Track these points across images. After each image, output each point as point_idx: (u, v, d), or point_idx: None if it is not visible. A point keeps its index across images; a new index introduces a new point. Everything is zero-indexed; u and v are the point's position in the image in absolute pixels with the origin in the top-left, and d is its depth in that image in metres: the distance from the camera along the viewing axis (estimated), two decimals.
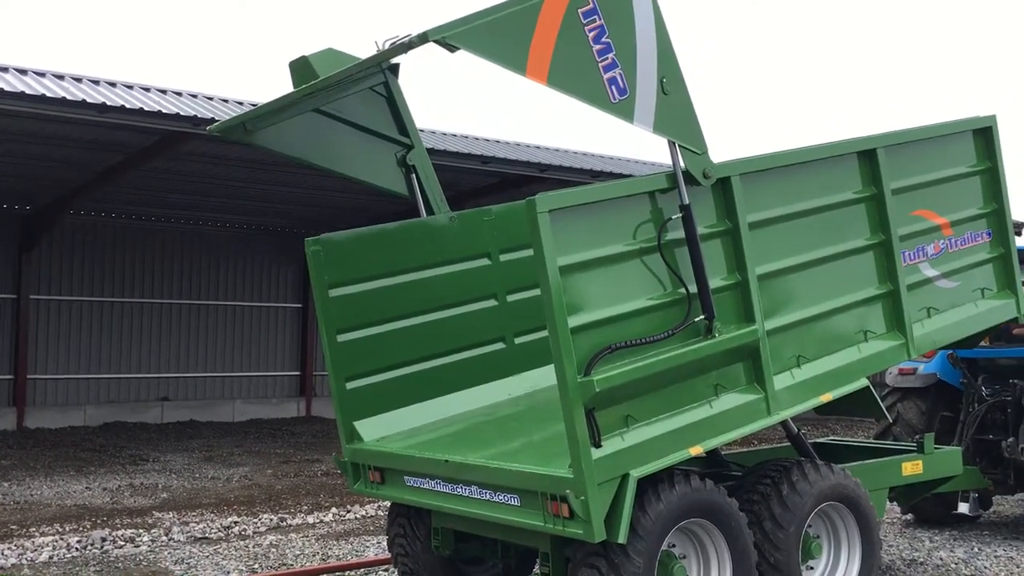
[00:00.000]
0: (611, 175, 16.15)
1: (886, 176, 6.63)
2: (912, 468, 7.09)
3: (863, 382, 6.34)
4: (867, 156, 6.62)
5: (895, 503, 8.30)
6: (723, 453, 6.95)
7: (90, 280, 20.32)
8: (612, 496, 4.97)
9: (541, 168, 15.53)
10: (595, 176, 15.91)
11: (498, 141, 16.68)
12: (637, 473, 5.04)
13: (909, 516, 9.70)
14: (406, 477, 6.14)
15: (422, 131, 14.90)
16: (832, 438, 7.85)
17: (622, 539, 4.92)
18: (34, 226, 18.90)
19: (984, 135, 7.49)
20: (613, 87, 5.13)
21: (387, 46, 5.45)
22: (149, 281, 21.02)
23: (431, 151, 12.66)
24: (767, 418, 5.79)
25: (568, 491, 4.90)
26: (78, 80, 12.43)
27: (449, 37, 4.67)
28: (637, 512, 5.05)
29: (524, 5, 4.84)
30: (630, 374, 5.10)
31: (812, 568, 6.13)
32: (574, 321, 4.99)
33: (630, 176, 16.27)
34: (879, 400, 6.63)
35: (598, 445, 4.95)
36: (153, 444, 17.15)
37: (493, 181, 16.82)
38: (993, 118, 7.53)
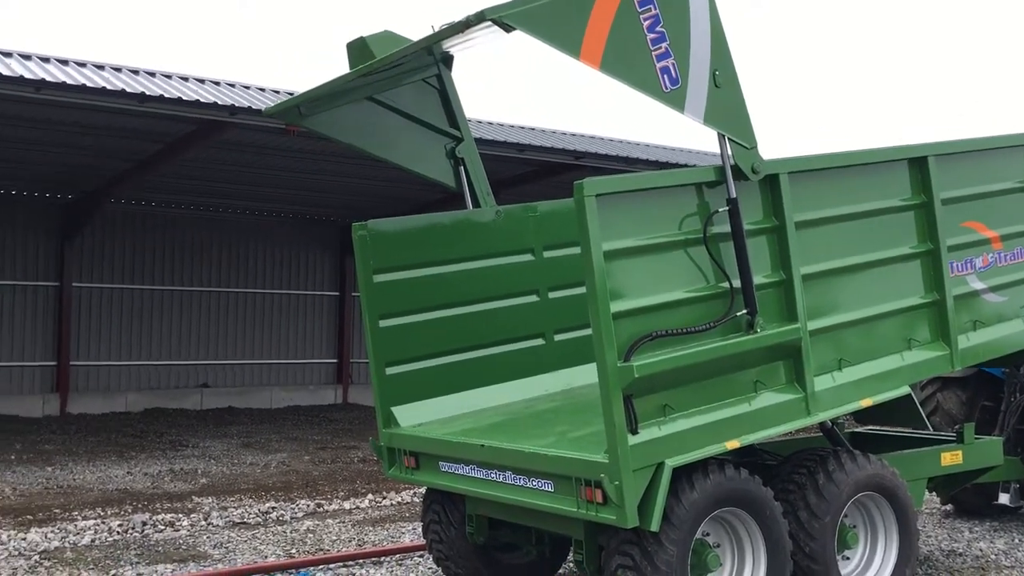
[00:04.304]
0: (647, 163, 16.08)
1: (936, 185, 6.59)
2: (951, 458, 7.02)
3: (905, 390, 6.32)
4: (918, 164, 6.59)
5: (935, 493, 8.22)
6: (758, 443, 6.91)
7: (131, 268, 20.58)
8: (646, 483, 4.97)
9: (577, 156, 15.48)
10: (631, 164, 15.84)
11: (533, 129, 16.64)
12: (672, 462, 5.04)
13: (949, 507, 9.59)
14: (441, 462, 6.17)
15: None
16: (870, 427, 7.79)
17: (655, 527, 4.92)
18: (76, 215, 19.16)
19: None
20: (665, 76, 5.18)
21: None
22: (188, 269, 21.25)
23: None
24: (806, 418, 5.78)
25: (603, 475, 4.91)
26: (118, 70, 12.56)
27: (506, 16, 4.74)
28: (671, 500, 5.05)
29: None
30: (669, 363, 5.11)
31: (848, 558, 6.09)
32: (616, 307, 5.00)
33: (667, 163, 16.20)
34: (920, 409, 6.61)
35: (635, 432, 4.96)
36: (193, 430, 17.37)
37: (530, 169, 16.79)
38: None
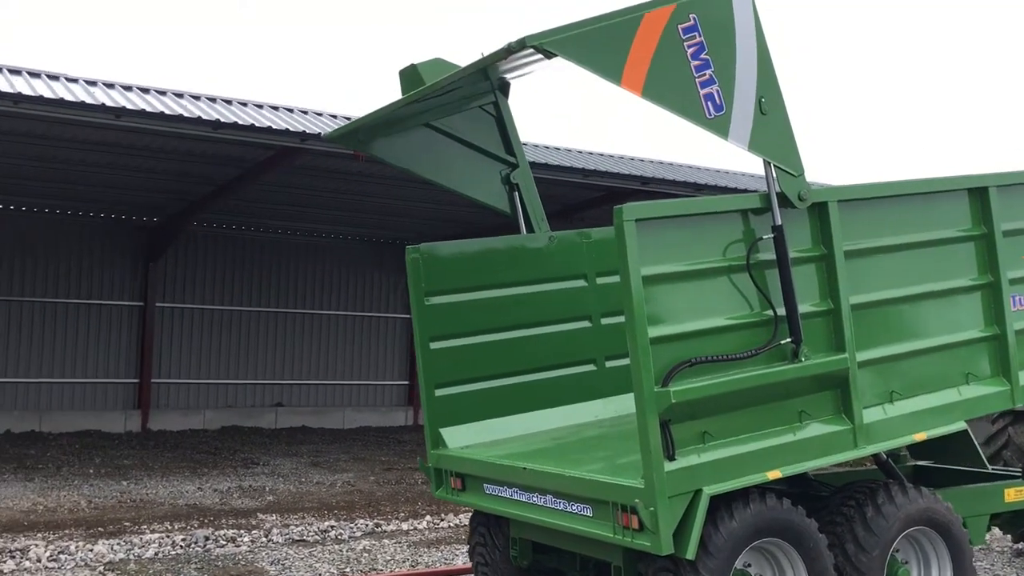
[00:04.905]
0: (715, 188, 15.95)
1: (997, 216, 6.44)
2: (1016, 494, 6.78)
3: (961, 425, 6.16)
4: (978, 194, 6.46)
5: (1006, 532, 7.93)
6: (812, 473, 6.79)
7: (211, 289, 21.19)
8: (683, 511, 4.93)
9: (643, 181, 15.44)
10: (699, 189, 15.74)
11: (601, 154, 16.67)
12: (710, 490, 4.99)
13: (1021, 545, 9.23)
14: (485, 485, 6.21)
15: (524, 144, 15.09)
16: (927, 462, 7.57)
17: (690, 555, 4.87)
18: (160, 237, 19.84)
19: None
20: (709, 103, 5.19)
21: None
22: (267, 291, 21.78)
23: (532, 164, 12.82)
24: (853, 450, 5.65)
25: (637, 501, 4.89)
26: (196, 98, 13.03)
27: (547, 43, 4.82)
28: (709, 529, 4.99)
29: (624, 18, 4.97)
30: (709, 389, 5.07)
31: None
32: (654, 332, 4.99)
33: (735, 189, 16.04)
34: (978, 446, 6.42)
35: (672, 458, 4.93)
36: (265, 448, 17.72)
37: (598, 194, 16.81)
38: None
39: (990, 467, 6.97)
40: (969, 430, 6.22)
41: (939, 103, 75.92)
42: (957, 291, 6.31)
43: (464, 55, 6.97)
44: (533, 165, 13.19)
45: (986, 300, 6.43)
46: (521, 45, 4.92)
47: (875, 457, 6.27)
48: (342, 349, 22.75)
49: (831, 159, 69.26)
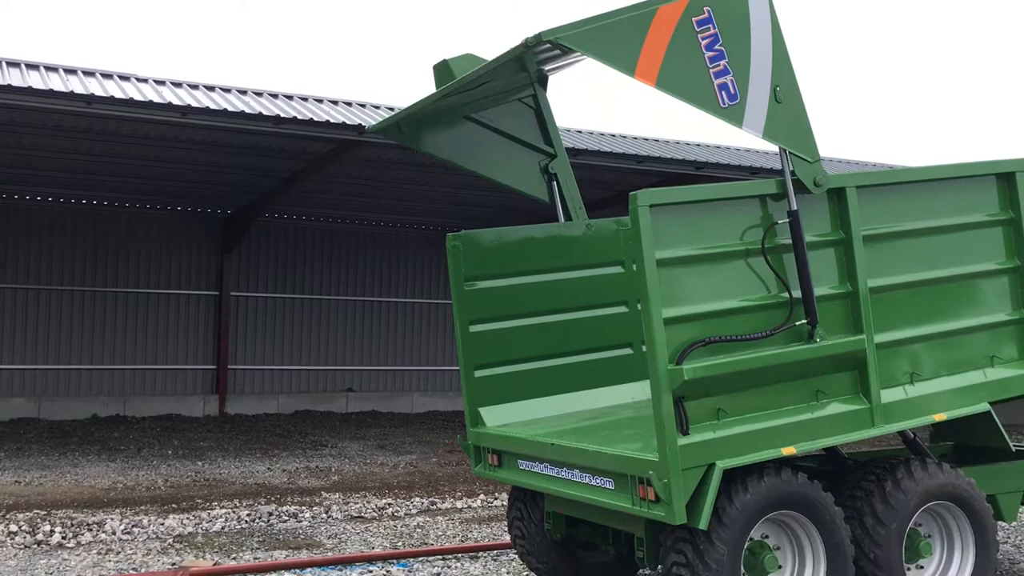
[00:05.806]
0: (772, 172, 15.89)
1: None
2: None
3: (984, 407, 6.24)
4: (1005, 179, 6.51)
5: None
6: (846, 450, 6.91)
7: (283, 278, 21.88)
8: (696, 483, 5.15)
9: (697, 166, 15.50)
10: (754, 173, 15.73)
11: (656, 140, 16.75)
12: (723, 464, 5.20)
13: None
14: (519, 460, 6.50)
15: (579, 132, 15.29)
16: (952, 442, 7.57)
17: (703, 525, 5.09)
18: (234, 228, 20.58)
19: None
20: (723, 92, 5.38)
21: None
22: (336, 279, 22.41)
23: (586, 151, 13.03)
24: (871, 429, 5.81)
25: (651, 472, 5.13)
26: (259, 94, 13.56)
27: (562, 38, 5.08)
28: (723, 501, 5.21)
29: (637, 12, 5.19)
30: (721, 368, 5.28)
31: (923, 567, 6.05)
32: (669, 312, 5.21)
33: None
34: (1001, 427, 6.46)
35: (685, 432, 5.15)
36: (335, 432, 18.31)
37: (654, 180, 16.88)
38: None
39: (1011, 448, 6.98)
40: (993, 412, 6.28)
41: (954, 89, 73.74)
42: (981, 275, 6.40)
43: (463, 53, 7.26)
44: (587, 152, 13.41)
45: (1013, 284, 6.49)
46: (537, 40, 5.18)
47: (902, 435, 6.39)
48: (410, 335, 23.26)
49: (847, 146, 67.75)
